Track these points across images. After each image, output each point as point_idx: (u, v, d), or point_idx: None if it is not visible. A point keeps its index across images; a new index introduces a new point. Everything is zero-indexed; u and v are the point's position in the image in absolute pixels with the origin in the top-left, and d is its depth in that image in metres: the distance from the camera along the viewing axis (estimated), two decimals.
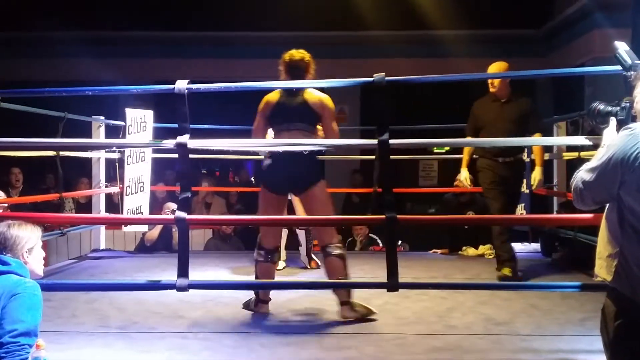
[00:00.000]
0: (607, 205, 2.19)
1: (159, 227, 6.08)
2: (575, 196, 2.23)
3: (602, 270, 2.16)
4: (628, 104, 2.38)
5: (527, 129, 4.63)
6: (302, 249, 5.25)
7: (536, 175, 4.82)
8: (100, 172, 6.10)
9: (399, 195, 5.06)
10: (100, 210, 6.14)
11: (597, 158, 2.16)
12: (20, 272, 2.45)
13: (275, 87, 3.62)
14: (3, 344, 2.27)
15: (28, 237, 2.53)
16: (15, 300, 2.34)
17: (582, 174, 2.19)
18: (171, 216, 3.22)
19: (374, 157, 5.34)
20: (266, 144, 3.79)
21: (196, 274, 4.66)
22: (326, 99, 3.74)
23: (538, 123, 4.75)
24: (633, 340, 2.07)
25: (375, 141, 3.10)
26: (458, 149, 6.98)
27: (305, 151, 3.55)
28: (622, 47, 2.81)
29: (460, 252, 6.10)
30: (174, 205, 5.85)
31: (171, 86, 3.18)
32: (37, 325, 2.39)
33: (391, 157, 3.16)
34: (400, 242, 6.61)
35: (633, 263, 2.06)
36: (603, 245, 2.17)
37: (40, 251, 2.58)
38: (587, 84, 7.67)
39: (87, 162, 6.43)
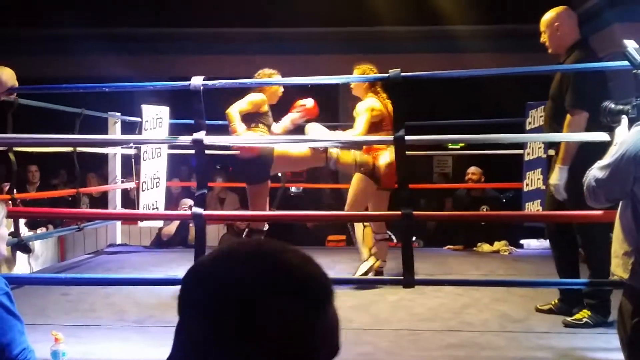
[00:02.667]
0: (621, 203, 2.18)
1: (176, 222, 6.12)
2: (589, 194, 2.23)
3: (619, 268, 2.15)
4: (639, 101, 2.36)
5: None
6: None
7: (551, 177, 3.56)
8: (116, 168, 6.15)
9: (413, 191, 5.03)
10: (116, 205, 6.19)
11: (610, 155, 2.16)
12: None
13: (291, 83, 3.61)
14: None
15: None
16: None
17: (595, 172, 2.19)
18: (188, 212, 3.23)
19: None
20: (283, 140, 3.80)
21: None
22: None
23: (572, 96, 3.44)
24: None
25: (390, 137, 3.10)
26: (473, 145, 6.97)
27: None
28: (631, 45, 2.79)
29: (475, 248, 6.08)
30: (190, 201, 5.88)
31: (187, 82, 3.20)
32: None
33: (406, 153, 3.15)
34: (415, 238, 6.59)
35: None
36: (619, 244, 2.17)
37: (4, 229, 2.26)
38: (608, 79, 7.58)
39: (99, 158, 6.47)
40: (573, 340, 3.26)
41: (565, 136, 3.49)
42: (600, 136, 3.07)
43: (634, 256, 2.10)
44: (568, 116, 3.45)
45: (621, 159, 2.10)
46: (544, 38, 3.68)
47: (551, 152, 4.37)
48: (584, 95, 3.38)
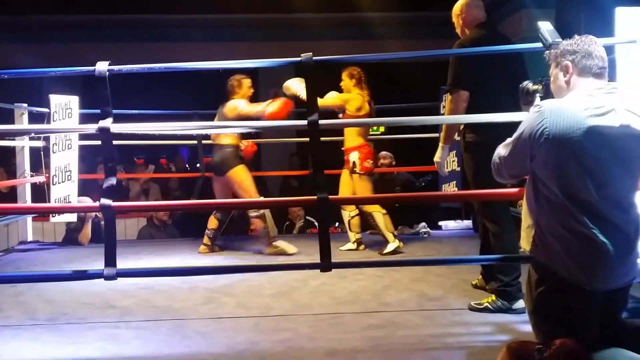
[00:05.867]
0: (527, 178, 2.28)
1: (89, 225, 5.87)
2: (494, 170, 2.36)
3: (524, 241, 2.26)
4: (547, 81, 2.45)
5: None
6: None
7: (435, 155, 3.78)
8: (25, 161, 5.86)
9: (335, 178, 5.06)
10: (26, 200, 5.91)
11: (514, 135, 2.26)
12: None
13: (202, 68, 3.50)
14: None
15: None
16: None
17: (500, 149, 2.32)
18: (97, 204, 3.10)
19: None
20: (193, 126, 3.71)
21: (129, 262, 4.59)
22: None
23: (450, 76, 3.51)
24: (552, 307, 2.15)
25: (305, 122, 3.08)
26: (393, 129, 7.05)
27: None
28: (544, 26, 2.88)
29: (395, 231, 6.15)
30: (86, 199, 5.70)
31: (92, 68, 3.06)
32: None
33: (328, 139, 3.13)
34: (337, 223, 6.63)
35: (548, 232, 2.15)
36: (524, 217, 2.27)
37: None
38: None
39: (6, 151, 6.17)
40: (486, 315, 3.37)
41: (479, 117, 3.49)
42: (510, 116, 3.12)
43: (534, 229, 2.20)
44: (448, 96, 3.56)
45: (519, 138, 2.20)
46: (456, 27, 3.80)
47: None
48: (462, 74, 3.47)
